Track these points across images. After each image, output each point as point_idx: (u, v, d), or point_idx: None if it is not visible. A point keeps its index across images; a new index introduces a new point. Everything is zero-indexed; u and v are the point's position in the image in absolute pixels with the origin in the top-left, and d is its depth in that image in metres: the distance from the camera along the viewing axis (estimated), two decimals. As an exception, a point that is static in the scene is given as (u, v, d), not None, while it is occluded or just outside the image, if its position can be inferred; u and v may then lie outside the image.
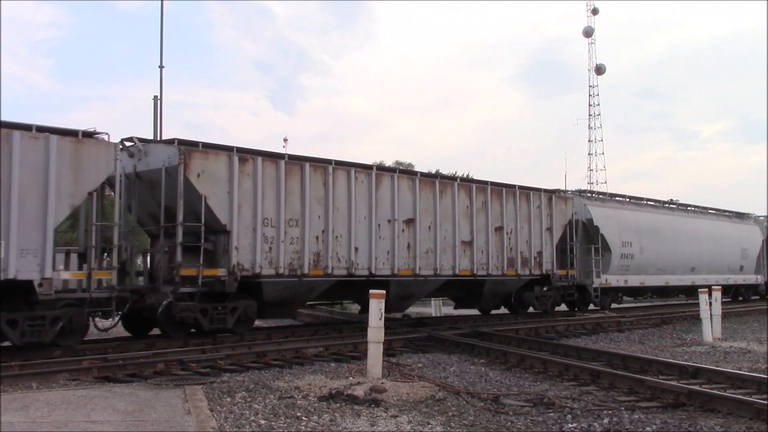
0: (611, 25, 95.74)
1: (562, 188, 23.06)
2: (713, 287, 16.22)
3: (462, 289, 18.03)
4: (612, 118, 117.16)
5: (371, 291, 9.88)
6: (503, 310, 19.99)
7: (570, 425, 6.90)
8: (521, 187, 18.63)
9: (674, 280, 24.41)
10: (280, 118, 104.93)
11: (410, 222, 15.57)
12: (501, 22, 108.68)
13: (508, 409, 7.63)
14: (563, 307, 21.12)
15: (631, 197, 24.84)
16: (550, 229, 19.25)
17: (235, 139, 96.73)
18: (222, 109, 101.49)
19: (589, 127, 57.52)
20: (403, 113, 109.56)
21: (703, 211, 28.31)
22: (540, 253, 18.86)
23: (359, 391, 8.03)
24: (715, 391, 8.10)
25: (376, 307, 9.61)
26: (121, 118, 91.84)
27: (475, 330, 14.92)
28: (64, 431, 6.09)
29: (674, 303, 27.43)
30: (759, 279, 29.63)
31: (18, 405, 7.08)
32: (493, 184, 17.89)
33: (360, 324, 14.92)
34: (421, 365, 10.80)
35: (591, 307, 21.62)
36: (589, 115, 57.58)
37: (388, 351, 11.45)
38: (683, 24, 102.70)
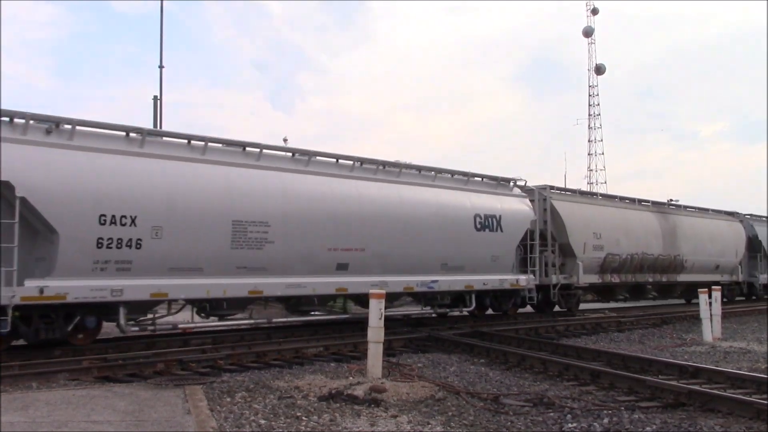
0: (611, 25, 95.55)
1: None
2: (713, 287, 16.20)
3: None
4: (612, 118, 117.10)
5: (371, 291, 9.89)
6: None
7: (570, 425, 6.90)
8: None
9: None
10: (279, 117, 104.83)
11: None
12: (500, 22, 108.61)
13: (508, 409, 7.63)
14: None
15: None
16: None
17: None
18: (221, 109, 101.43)
19: (589, 127, 57.44)
20: (403, 113, 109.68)
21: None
22: None
23: (359, 391, 8.03)
24: (715, 391, 8.10)
25: (376, 307, 9.62)
26: (121, 119, 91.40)
27: (475, 330, 14.92)
28: (64, 431, 6.09)
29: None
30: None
31: (18, 405, 7.08)
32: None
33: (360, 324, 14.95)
34: (421, 365, 10.80)
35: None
36: (589, 115, 57.48)
37: (388, 351, 11.46)
38: (683, 24, 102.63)
